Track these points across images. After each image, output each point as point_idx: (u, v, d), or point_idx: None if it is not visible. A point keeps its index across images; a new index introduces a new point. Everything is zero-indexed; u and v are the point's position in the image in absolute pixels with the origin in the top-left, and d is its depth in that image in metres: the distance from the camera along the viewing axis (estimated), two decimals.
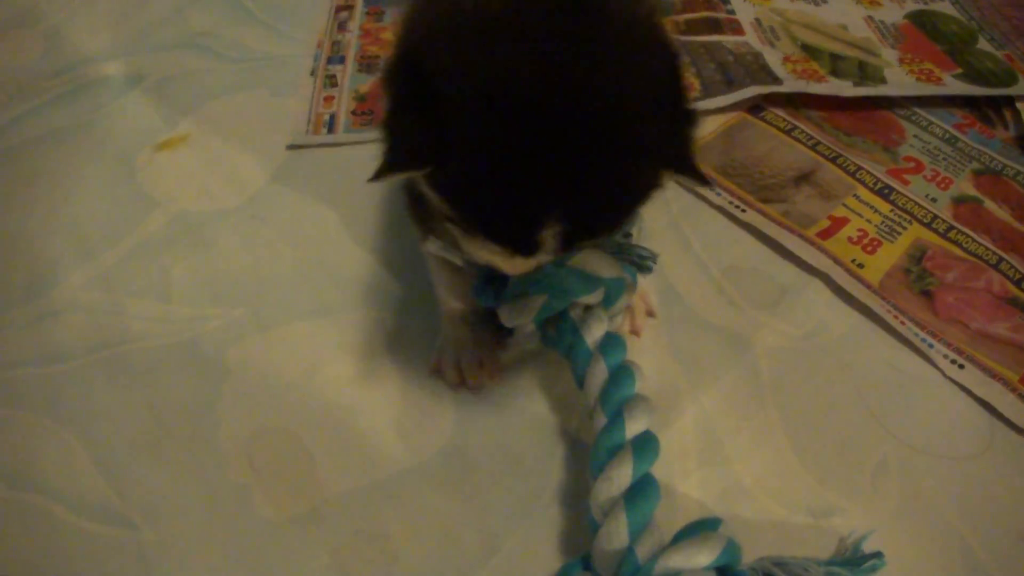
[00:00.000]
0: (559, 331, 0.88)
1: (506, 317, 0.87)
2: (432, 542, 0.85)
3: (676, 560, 0.71)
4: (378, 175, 0.66)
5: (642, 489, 0.76)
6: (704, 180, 0.67)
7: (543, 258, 0.69)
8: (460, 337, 0.98)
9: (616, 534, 0.74)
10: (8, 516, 0.87)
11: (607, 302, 0.88)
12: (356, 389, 0.97)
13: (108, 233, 1.13)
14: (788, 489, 0.90)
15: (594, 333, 0.86)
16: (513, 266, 0.71)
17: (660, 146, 0.65)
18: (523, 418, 0.95)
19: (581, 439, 0.92)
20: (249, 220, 1.15)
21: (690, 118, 0.68)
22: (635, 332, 1.01)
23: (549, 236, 0.65)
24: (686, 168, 0.67)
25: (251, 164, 1.23)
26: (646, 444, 0.79)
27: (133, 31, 1.50)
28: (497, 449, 0.92)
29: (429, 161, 0.64)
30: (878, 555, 0.79)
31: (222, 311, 1.04)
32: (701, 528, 0.74)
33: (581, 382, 0.86)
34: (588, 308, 0.88)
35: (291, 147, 1.26)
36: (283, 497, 0.88)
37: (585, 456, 0.84)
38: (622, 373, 0.83)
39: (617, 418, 0.80)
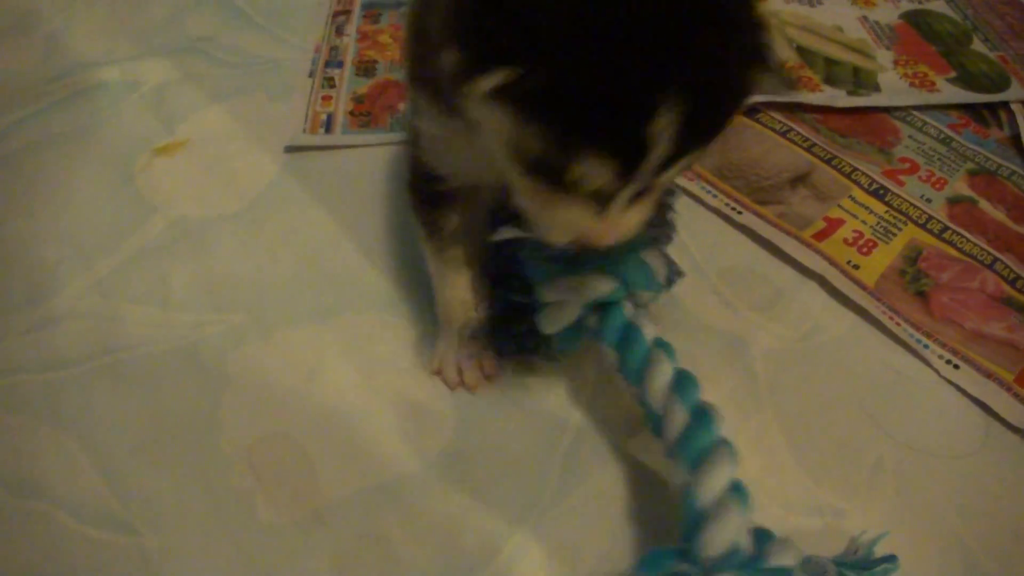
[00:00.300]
0: (607, 323, 0.85)
1: (551, 305, 0.86)
2: (433, 545, 0.86)
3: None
4: (462, 81, 0.61)
5: (738, 490, 0.75)
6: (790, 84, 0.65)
7: (660, 182, 0.66)
8: (458, 338, 0.98)
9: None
10: (11, 523, 0.87)
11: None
12: (356, 393, 0.97)
13: (107, 239, 1.13)
14: (785, 489, 0.91)
15: (649, 328, 0.85)
16: (603, 221, 0.67)
17: (753, 40, 0.63)
18: (522, 420, 0.96)
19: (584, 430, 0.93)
20: (248, 225, 1.15)
21: (764, 25, 0.64)
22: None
23: (662, 129, 0.58)
24: (773, 64, 0.64)
25: (249, 169, 1.23)
26: (731, 449, 0.78)
27: (131, 36, 1.50)
28: (496, 451, 0.93)
29: (524, 58, 0.57)
30: (891, 559, 0.77)
31: (222, 317, 1.04)
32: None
33: (636, 376, 0.83)
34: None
35: (289, 148, 1.27)
36: (285, 502, 0.88)
37: (581, 457, 0.87)
38: (686, 377, 0.81)
39: (701, 419, 0.78)
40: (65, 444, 0.92)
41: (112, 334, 1.03)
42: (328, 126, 1.31)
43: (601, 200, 0.66)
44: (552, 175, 0.64)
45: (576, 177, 0.63)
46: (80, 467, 0.91)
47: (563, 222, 0.68)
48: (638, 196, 0.67)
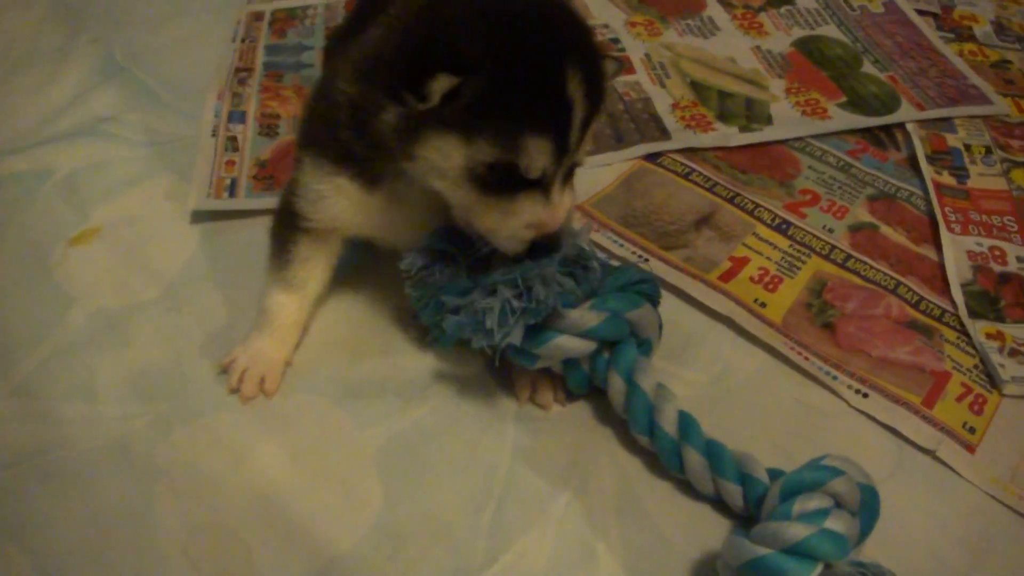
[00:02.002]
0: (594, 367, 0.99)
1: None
2: None
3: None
4: (418, 74, 0.80)
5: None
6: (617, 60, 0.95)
7: (578, 156, 0.89)
8: (270, 340, 1.07)
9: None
10: None
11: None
12: (284, 475, 0.98)
13: (29, 335, 1.13)
14: (709, 535, 0.93)
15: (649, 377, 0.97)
16: (550, 205, 0.88)
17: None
18: (447, 488, 0.97)
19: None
20: (167, 312, 1.15)
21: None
22: (544, 406, 1.05)
23: (576, 88, 0.83)
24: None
25: (164, 252, 1.24)
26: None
27: (35, 121, 1.49)
28: (425, 520, 0.94)
29: (471, 67, 0.80)
30: None
31: (148, 408, 1.04)
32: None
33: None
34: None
35: (195, 213, 1.28)
36: None
37: (506, 522, 0.91)
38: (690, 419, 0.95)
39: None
40: (3, 547, 0.92)
41: (41, 434, 1.02)
42: (232, 190, 1.32)
43: (543, 188, 0.87)
44: (503, 177, 0.85)
45: (529, 163, 0.84)
46: (20, 568, 0.90)
47: (517, 221, 0.88)
48: (565, 180, 0.89)
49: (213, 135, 1.42)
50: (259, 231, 1.19)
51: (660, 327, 1.02)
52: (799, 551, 0.79)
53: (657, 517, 0.94)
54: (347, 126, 0.93)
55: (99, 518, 0.95)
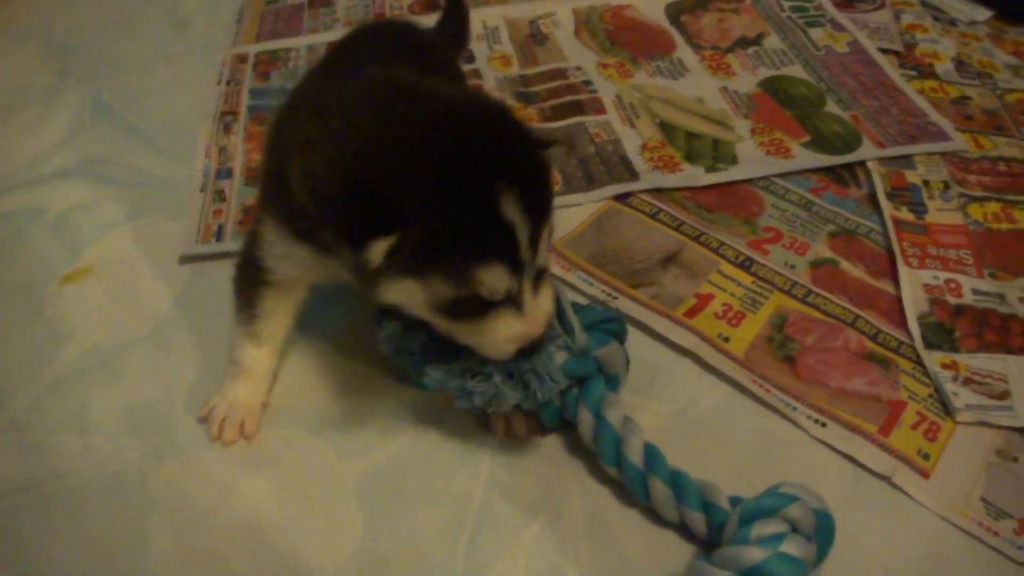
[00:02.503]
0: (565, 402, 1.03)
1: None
2: None
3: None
4: (355, 242, 0.82)
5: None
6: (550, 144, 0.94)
7: (538, 263, 0.90)
8: (245, 390, 1.10)
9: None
10: None
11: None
12: (270, 505, 1.02)
13: (23, 371, 1.17)
14: (674, 559, 0.97)
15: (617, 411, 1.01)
16: (527, 315, 0.91)
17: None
18: (423, 516, 1.01)
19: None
20: (156, 349, 1.20)
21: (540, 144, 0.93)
22: (519, 437, 1.08)
23: (512, 208, 0.84)
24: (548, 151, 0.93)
25: (153, 290, 1.28)
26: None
27: (25, 160, 1.54)
28: (403, 547, 0.98)
29: (404, 222, 0.81)
30: None
31: (140, 441, 1.08)
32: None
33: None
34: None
35: (183, 258, 1.32)
36: None
37: (480, 547, 0.96)
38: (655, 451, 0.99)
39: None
40: None
41: (36, 467, 1.06)
42: (219, 235, 1.37)
43: (516, 302, 0.89)
44: (470, 305, 0.87)
45: (489, 291, 0.86)
46: None
47: (497, 337, 0.91)
48: (537, 283, 0.91)
49: (202, 191, 1.46)
50: None
51: (627, 363, 1.07)
52: (756, 573, 0.84)
53: (624, 543, 0.98)
54: (305, 217, 0.93)
55: (94, 547, 0.98)
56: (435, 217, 0.82)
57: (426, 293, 0.87)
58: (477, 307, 0.88)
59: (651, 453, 0.98)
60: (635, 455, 0.98)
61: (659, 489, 0.96)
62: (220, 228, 1.38)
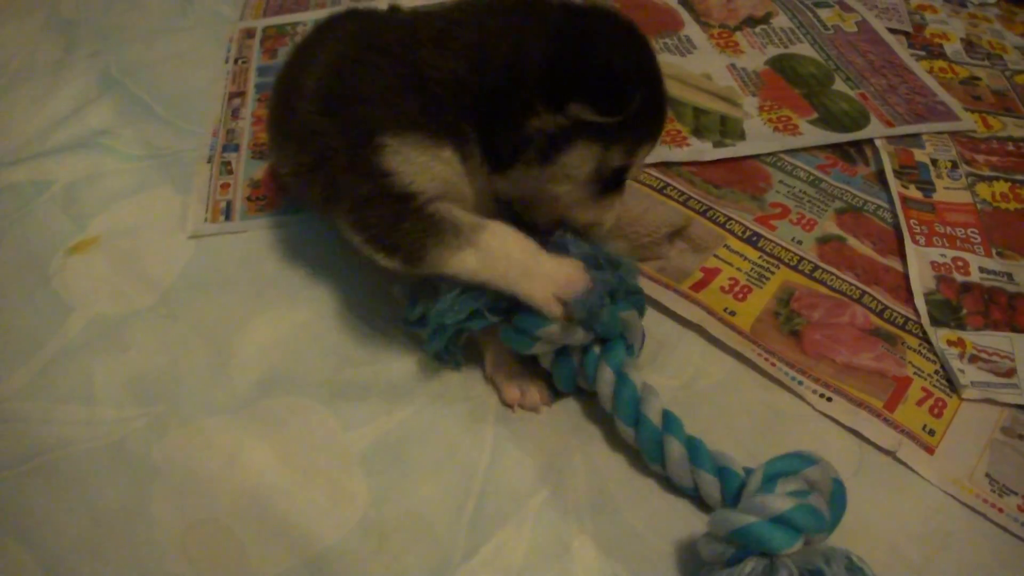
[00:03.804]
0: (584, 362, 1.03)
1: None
2: None
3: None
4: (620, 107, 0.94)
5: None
6: None
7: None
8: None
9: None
10: None
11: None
12: (275, 474, 1.02)
13: (29, 341, 1.17)
14: (679, 530, 0.97)
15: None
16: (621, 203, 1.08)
17: None
18: (429, 486, 1.01)
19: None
20: (162, 319, 1.19)
21: None
22: (534, 408, 1.09)
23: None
24: None
25: (160, 262, 1.28)
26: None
27: (33, 133, 1.54)
28: (408, 516, 0.98)
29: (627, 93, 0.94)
30: None
31: (144, 410, 1.08)
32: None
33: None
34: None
35: (192, 238, 1.32)
36: None
37: (485, 516, 0.96)
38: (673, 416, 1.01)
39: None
40: (6, 544, 0.96)
41: (43, 436, 1.06)
42: (228, 214, 1.36)
43: (620, 190, 1.05)
44: (615, 176, 1.02)
45: (637, 166, 1.05)
46: (24, 564, 0.94)
47: (606, 212, 1.06)
48: None
49: (208, 162, 1.46)
50: (251, 243, 1.25)
51: (643, 338, 1.07)
52: (783, 520, 0.84)
53: (629, 513, 0.98)
54: (451, 105, 0.98)
55: (98, 515, 0.98)
56: (648, 93, 0.97)
57: (601, 159, 0.99)
58: (620, 181, 1.04)
59: (669, 417, 0.99)
60: (655, 415, 0.98)
61: (676, 450, 0.97)
62: (228, 205, 1.38)
